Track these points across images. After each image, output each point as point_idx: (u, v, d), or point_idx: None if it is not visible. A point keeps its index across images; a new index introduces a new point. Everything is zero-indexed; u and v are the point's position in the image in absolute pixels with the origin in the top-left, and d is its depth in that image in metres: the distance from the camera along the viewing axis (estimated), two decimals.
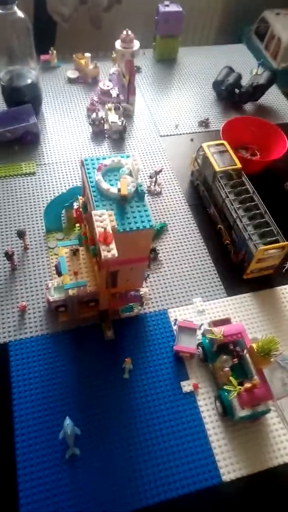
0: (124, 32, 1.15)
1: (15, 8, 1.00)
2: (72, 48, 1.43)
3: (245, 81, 1.35)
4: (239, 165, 0.97)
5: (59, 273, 0.76)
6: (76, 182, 1.07)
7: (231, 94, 1.32)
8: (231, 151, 1.00)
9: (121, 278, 0.70)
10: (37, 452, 0.67)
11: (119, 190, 0.59)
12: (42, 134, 1.18)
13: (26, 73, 1.14)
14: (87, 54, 1.33)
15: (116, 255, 0.53)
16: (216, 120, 1.30)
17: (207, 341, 0.76)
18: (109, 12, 1.74)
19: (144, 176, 1.10)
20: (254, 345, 0.70)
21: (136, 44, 1.17)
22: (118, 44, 1.17)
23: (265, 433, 0.72)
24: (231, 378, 0.69)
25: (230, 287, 0.91)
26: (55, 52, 1.38)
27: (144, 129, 1.24)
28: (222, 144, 1.01)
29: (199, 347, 0.78)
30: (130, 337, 0.81)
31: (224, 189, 0.94)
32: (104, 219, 0.55)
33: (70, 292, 0.72)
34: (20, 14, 1.01)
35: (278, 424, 0.74)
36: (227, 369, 0.71)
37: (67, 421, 0.67)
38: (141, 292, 0.81)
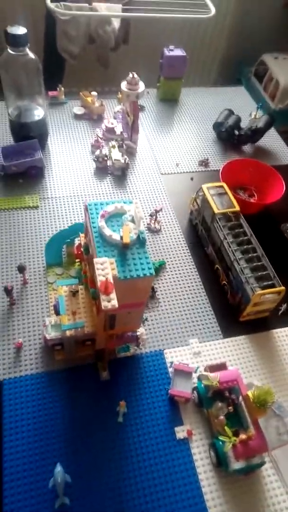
0: (130, 75, 1.20)
1: (27, 50, 1.04)
2: (79, 83, 1.48)
3: (244, 123, 1.40)
4: (237, 208, 0.99)
5: (57, 313, 0.76)
6: (78, 217, 1.09)
7: (230, 136, 1.36)
8: (230, 193, 1.02)
9: (119, 321, 0.70)
10: (26, 501, 0.65)
11: (121, 238, 0.61)
12: (47, 169, 1.20)
13: (34, 110, 1.18)
14: (94, 93, 1.38)
15: (117, 305, 0.54)
16: (215, 160, 1.33)
17: (202, 386, 0.75)
18: (116, 51, 1.83)
19: (145, 214, 1.12)
20: (249, 394, 0.69)
21: (141, 86, 1.22)
22: (123, 85, 1.21)
23: (259, 485, 0.71)
24: (226, 428, 0.68)
25: (226, 329, 0.91)
26: (62, 88, 1.43)
27: (146, 167, 1.27)
28: (222, 186, 1.04)
29: (195, 392, 0.77)
30: (126, 378, 0.81)
31: (222, 231, 0.95)
32: (105, 267, 0.56)
33: (68, 333, 0.72)
34: (31, 55, 1.05)
35: (272, 476, 0.72)
36: (222, 417, 0.70)
37: (58, 468, 0.66)
38: (137, 333, 0.81)
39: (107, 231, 0.62)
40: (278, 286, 0.87)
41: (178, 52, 1.44)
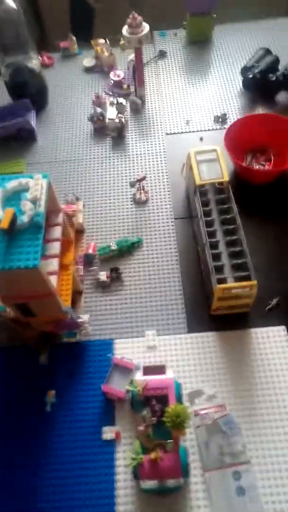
0: (131, 16, 1.02)
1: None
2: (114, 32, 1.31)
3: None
4: (225, 179, 0.81)
5: None
6: (67, 186, 1.01)
7: (259, 83, 1.11)
8: (221, 160, 0.84)
9: (36, 310, 0.64)
10: None
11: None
12: (43, 130, 1.13)
13: (27, 66, 1.09)
14: (101, 41, 1.23)
15: None
16: (238, 115, 1.11)
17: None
18: None
19: (126, 183, 1.00)
20: (168, 409, 0.58)
21: (145, 29, 1.04)
22: (125, 29, 1.04)
23: (183, 508, 0.62)
24: (136, 441, 0.59)
25: (194, 323, 0.79)
26: (74, 38, 1.30)
27: (151, 126, 1.12)
28: (214, 150, 0.86)
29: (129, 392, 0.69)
30: (65, 366, 0.75)
31: (200, 206, 0.80)
32: None
33: None
34: (11, 5, 0.96)
35: (202, 500, 0.62)
36: (141, 428, 0.61)
37: None
38: (80, 319, 0.74)
39: None
40: (252, 278, 0.70)
41: None
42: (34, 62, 1.10)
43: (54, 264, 0.61)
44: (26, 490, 0.65)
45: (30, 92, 1.11)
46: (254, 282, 0.69)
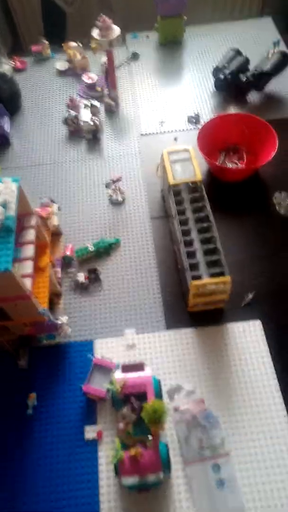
0: (100, 19, 1.03)
1: None
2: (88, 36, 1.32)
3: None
4: (198, 178, 0.83)
5: None
6: (41, 189, 1.01)
7: (230, 84, 1.13)
8: (194, 160, 0.85)
9: (12, 313, 0.64)
10: None
11: None
12: (17, 135, 1.13)
13: None
14: (73, 44, 1.23)
15: None
16: (211, 115, 1.13)
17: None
18: None
19: (102, 184, 1.01)
20: (146, 405, 0.59)
21: (116, 31, 1.05)
22: (95, 32, 1.05)
23: (165, 502, 0.63)
24: (116, 438, 0.60)
25: (172, 319, 0.80)
26: (46, 42, 1.30)
27: (126, 127, 1.13)
28: (187, 150, 0.87)
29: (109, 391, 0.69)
30: (45, 368, 0.75)
31: (174, 206, 0.81)
32: None
33: None
34: None
35: (184, 493, 0.63)
36: (121, 425, 0.62)
37: None
38: (58, 321, 0.75)
39: None
40: (226, 274, 0.72)
41: None
42: (5, 67, 1.09)
43: (28, 267, 0.61)
44: (10, 492, 0.65)
45: (3, 97, 1.11)
46: (228, 278, 0.71)
